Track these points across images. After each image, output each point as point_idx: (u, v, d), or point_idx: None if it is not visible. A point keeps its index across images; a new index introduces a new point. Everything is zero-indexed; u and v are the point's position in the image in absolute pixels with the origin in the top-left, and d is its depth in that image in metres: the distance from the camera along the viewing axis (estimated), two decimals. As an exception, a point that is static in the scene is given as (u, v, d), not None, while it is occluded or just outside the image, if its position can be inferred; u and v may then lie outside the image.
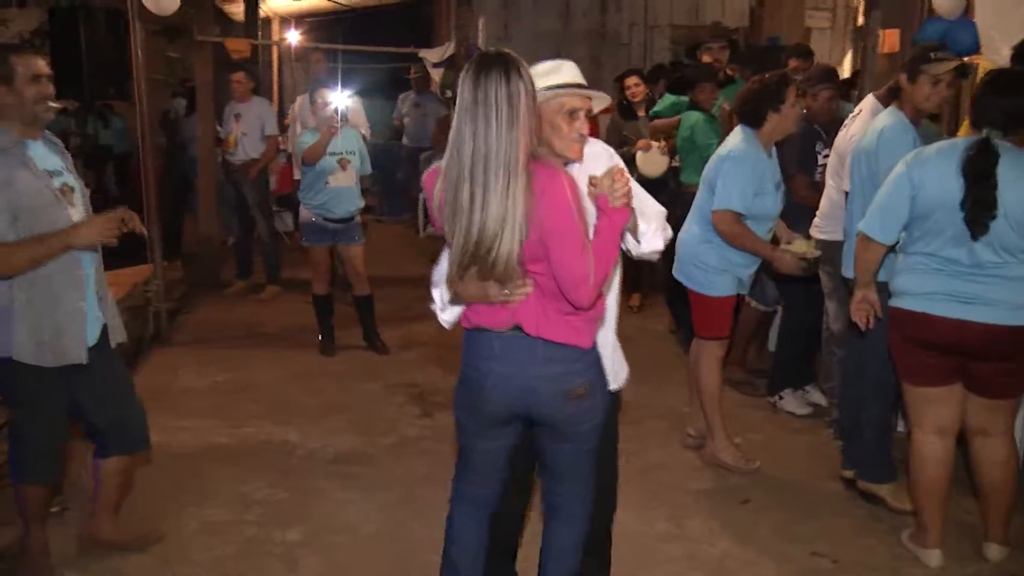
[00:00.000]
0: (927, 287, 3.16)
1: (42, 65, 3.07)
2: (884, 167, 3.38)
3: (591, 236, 2.39)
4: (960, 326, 3.11)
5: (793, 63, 5.71)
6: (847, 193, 3.89)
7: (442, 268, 2.60)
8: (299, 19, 11.37)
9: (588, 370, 2.54)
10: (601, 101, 2.68)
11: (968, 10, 5.26)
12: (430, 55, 8.27)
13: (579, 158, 2.57)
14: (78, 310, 3.12)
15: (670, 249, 3.57)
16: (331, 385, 5.40)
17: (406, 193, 10.44)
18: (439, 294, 2.63)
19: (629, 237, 2.65)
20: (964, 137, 3.22)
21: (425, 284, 2.72)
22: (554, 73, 2.55)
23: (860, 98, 4.87)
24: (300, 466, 4.28)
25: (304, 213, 5.86)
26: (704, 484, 4.10)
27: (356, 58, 12.00)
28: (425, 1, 13.65)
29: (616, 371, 2.83)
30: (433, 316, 2.71)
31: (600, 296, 2.49)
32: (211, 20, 8.42)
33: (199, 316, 6.90)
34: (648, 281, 6.84)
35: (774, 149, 4.13)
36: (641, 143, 6.41)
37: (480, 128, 2.30)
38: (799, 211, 4.44)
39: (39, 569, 3.25)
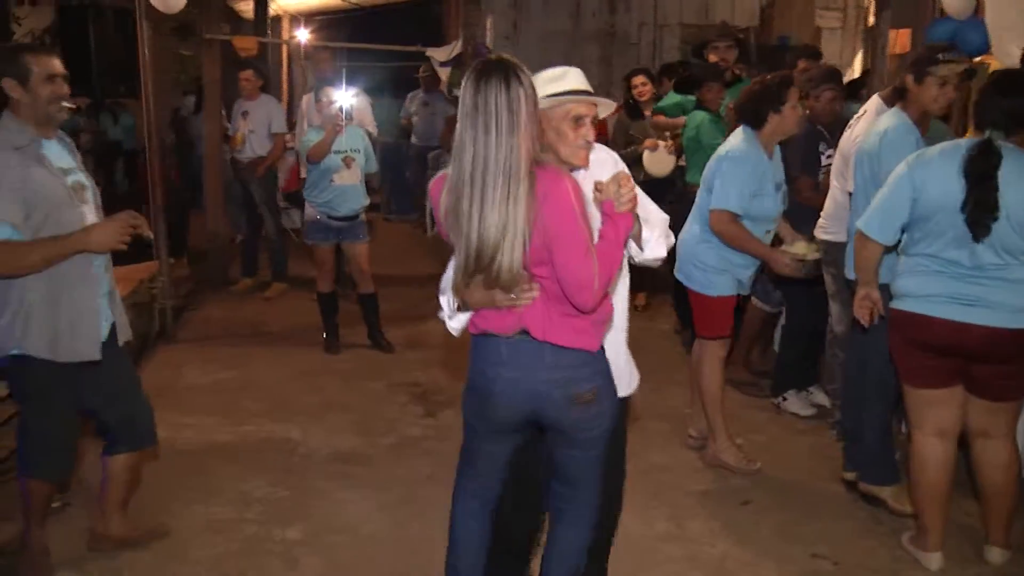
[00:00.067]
0: (928, 289, 3.14)
1: (57, 65, 3.09)
2: (887, 168, 3.36)
3: (595, 241, 2.40)
4: (961, 329, 3.08)
5: (802, 64, 5.68)
6: (851, 194, 3.87)
7: (449, 275, 2.60)
8: (308, 17, 11.39)
9: (596, 375, 2.54)
10: (606, 107, 2.68)
11: (978, 10, 5.23)
12: (437, 54, 8.27)
13: (585, 164, 2.59)
14: (91, 307, 3.14)
15: (675, 249, 3.59)
16: (334, 384, 5.41)
17: (414, 192, 10.44)
18: (447, 301, 2.64)
19: (632, 244, 2.65)
20: (967, 138, 3.19)
21: (432, 283, 2.74)
22: (560, 80, 2.57)
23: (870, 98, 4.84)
24: (301, 464, 4.29)
25: (309, 211, 5.87)
26: (705, 485, 4.08)
27: (365, 56, 12.02)
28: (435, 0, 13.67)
29: (628, 377, 2.85)
30: (438, 315, 2.71)
31: (606, 297, 2.48)
32: (219, 18, 8.45)
33: (204, 313, 6.93)
34: (653, 281, 6.82)
35: (778, 150, 4.11)
36: (648, 142, 6.40)
37: (480, 135, 2.31)
38: (803, 212, 4.42)
39: (39, 566, 3.26)
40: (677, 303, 6.03)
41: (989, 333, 3.06)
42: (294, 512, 3.79)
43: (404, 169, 10.69)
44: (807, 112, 4.67)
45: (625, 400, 2.82)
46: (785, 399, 4.89)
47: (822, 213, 4.28)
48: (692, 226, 4.09)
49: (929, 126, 3.82)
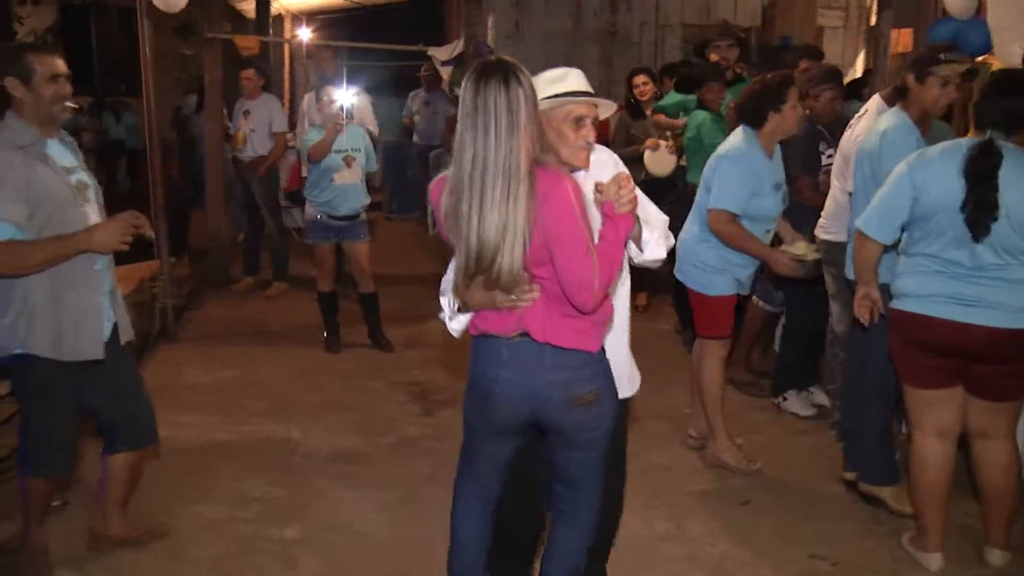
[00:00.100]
0: (928, 289, 3.13)
1: (60, 65, 3.09)
2: (887, 168, 3.35)
3: (596, 241, 2.40)
4: (961, 329, 3.08)
5: (804, 64, 5.67)
6: (851, 194, 3.86)
7: (450, 276, 2.60)
8: (310, 16, 11.39)
9: (597, 377, 2.54)
10: (607, 108, 2.70)
11: (980, 10, 5.22)
12: (439, 53, 8.25)
13: (585, 166, 2.59)
14: (94, 306, 3.15)
15: (675, 249, 3.58)
16: (335, 383, 5.41)
17: (416, 191, 10.44)
18: (447, 302, 2.64)
19: (632, 245, 2.65)
20: (968, 138, 3.18)
21: (433, 283, 2.74)
22: (560, 81, 2.58)
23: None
24: (301, 464, 4.29)
25: (309, 210, 5.86)
26: (705, 485, 4.08)
27: (367, 56, 12.02)
28: (437, -1, 13.68)
29: (630, 379, 2.85)
30: (438, 316, 2.71)
31: (606, 298, 2.48)
32: (221, 17, 8.46)
33: (206, 312, 6.93)
34: (654, 281, 6.81)
35: (778, 149, 4.10)
36: (649, 142, 6.39)
37: (479, 136, 2.32)
38: (804, 212, 4.41)
39: (38, 565, 3.26)
40: (677, 303, 6.01)
41: (989, 333, 3.05)
42: (293, 512, 3.79)
43: (406, 168, 10.69)
44: (807, 112, 4.66)
45: (625, 401, 2.81)
46: (785, 399, 4.88)
47: (823, 213, 4.28)
48: (691, 226, 4.09)
49: (931, 126, 3.82)
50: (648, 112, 6.58)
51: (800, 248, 3.95)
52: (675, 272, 4.20)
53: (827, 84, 4.61)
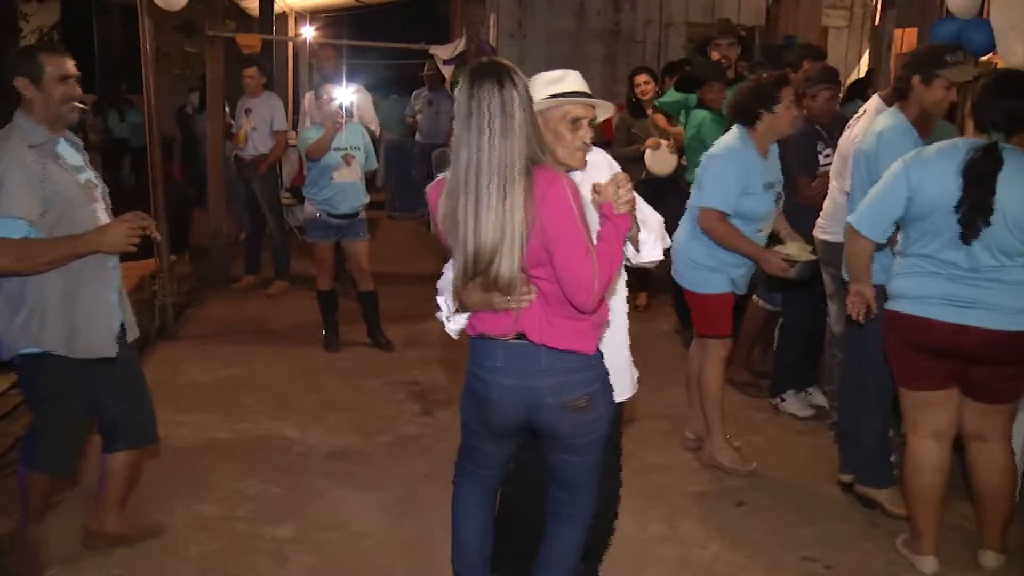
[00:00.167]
0: (924, 291, 3.11)
1: (70, 66, 3.11)
2: (883, 169, 3.32)
3: (594, 241, 2.40)
4: (958, 331, 3.06)
5: (807, 64, 5.64)
6: (849, 194, 3.84)
7: (447, 277, 2.61)
8: (314, 14, 11.38)
9: (593, 380, 2.54)
10: (605, 110, 2.70)
11: (983, 10, 5.19)
12: (441, 51, 8.24)
13: (582, 166, 2.61)
14: (106, 304, 3.18)
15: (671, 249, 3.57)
16: (334, 382, 5.41)
17: (418, 190, 10.44)
18: (445, 303, 2.64)
19: (629, 245, 2.65)
20: (965, 139, 3.15)
21: (433, 282, 2.73)
22: (558, 82, 2.60)
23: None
24: (297, 463, 4.28)
25: (309, 209, 5.86)
26: (701, 486, 4.06)
27: (371, 54, 12.03)
28: (441, -2, 13.67)
29: (629, 381, 2.86)
30: (436, 316, 2.71)
31: (603, 300, 2.48)
32: (224, 15, 8.46)
33: (206, 311, 6.93)
34: (654, 281, 6.80)
35: (775, 149, 4.09)
36: (650, 141, 6.38)
37: (474, 138, 2.33)
38: (802, 212, 4.39)
39: (32, 562, 3.26)
40: (677, 303, 6.01)
41: (987, 335, 3.04)
42: (288, 510, 3.79)
43: (409, 167, 10.70)
44: (805, 112, 4.65)
45: (620, 403, 2.80)
46: (783, 400, 4.86)
47: (821, 213, 4.26)
48: (684, 224, 4.08)
49: (935, 126, 3.80)
50: (649, 111, 6.56)
51: (793, 249, 3.92)
52: (672, 272, 4.18)
53: (824, 84, 4.59)
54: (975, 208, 2.97)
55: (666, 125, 6.32)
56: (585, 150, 2.59)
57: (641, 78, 6.63)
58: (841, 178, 4.07)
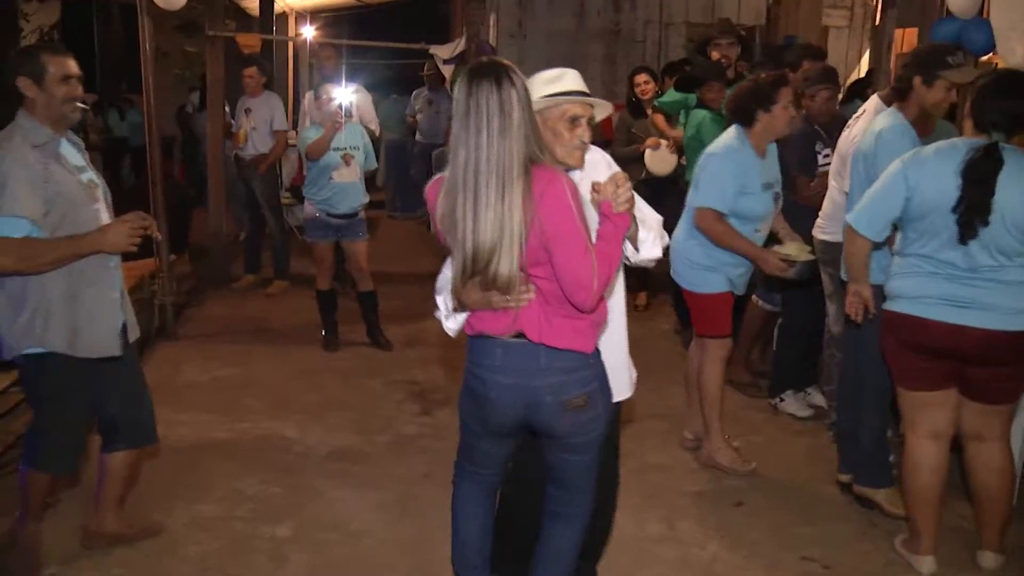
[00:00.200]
0: (922, 291, 3.11)
1: (72, 66, 3.11)
2: (882, 169, 3.32)
3: (594, 240, 2.40)
4: (956, 331, 3.06)
5: (807, 64, 5.63)
6: (848, 194, 3.83)
7: (446, 275, 2.61)
8: (314, 14, 11.38)
9: (591, 379, 2.54)
10: (603, 109, 2.71)
11: (983, 10, 5.18)
12: (441, 51, 8.25)
13: (580, 165, 2.61)
14: (110, 302, 3.19)
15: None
16: (333, 381, 5.40)
17: (419, 189, 10.43)
18: (443, 301, 2.64)
19: (628, 244, 2.65)
20: (963, 139, 3.15)
21: (433, 281, 2.72)
22: (557, 81, 2.60)
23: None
24: (296, 462, 4.28)
25: (308, 208, 5.87)
26: (700, 486, 4.06)
27: (372, 54, 12.02)
28: (441, -2, 13.67)
29: (627, 381, 2.86)
30: (435, 315, 2.72)
31: (602, 299, 2.49)
32: (224, 15, 8.46)
33: (206, 311, 6.93)
34: (654, 281, 6.80)
35: (773, 149, 4.09)
36: (650, 141, 6.38)
37: (472, 137, 2.33)
38: (800, 212, 4.38)
39: (30, 561, 3.26)
40: (677, 303, 6.00)
41: (985, 336, 3.03)
42: (287, 510, 3.79)
43: (409, 167, 10.70)
44: (804, 112, 4.64)
45: (617, 404, 2.80)
46: (783, 400, 4.86)
47: (820, 213, 4.26)
48: (682, 224, 4.08)
49: (935, 126, 3.79)
50: (649, 111, 6.55)
51: (791, 249, 3.91)
52: (671, 272, 4.18)
53: (823, 84, 4.59)
54: (973, 208, 2.97)
55: (665, 127, 6.32)
56: (583, 149, 2.60)
57: (641, 78, 6.63)
58: (840, 178, 4.07)
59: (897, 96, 3.73)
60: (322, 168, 5.70)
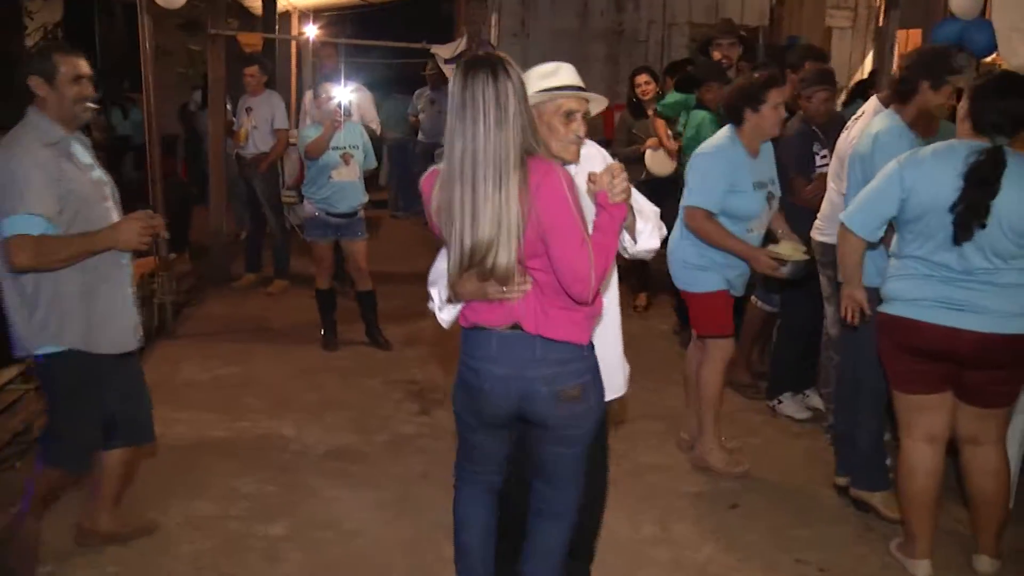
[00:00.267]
0: (917, 293, 3.10)
1: (84, 66, 3.13)
2: (878, 171, 3.31)
3: (590, 231, 2.40)
4: (951, 334, 3.04)
5: (808, 66, 5.61)
6: (845, 196, 3.82)
7: (440, 267, 2.60)
8: (317, 13, 11.36)
9: (585, 371, 2.54)
10: (598, 104, 2.70)
11: (985, 10, 5.16)
12: (442, 51, 8.22)
13: (575, 160, 2.61)
14: (125, 298, 3.22)
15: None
16: (332, 381, 5.40)
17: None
18: (436, 292, 2.64)
19: (626, 235, 2.65)
20: (962, 140, 3.13)
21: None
22: (552, 75, 2.60)
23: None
24: (293, 461, 4.28)
25: (308, 208, 5.87)
26: (697, 487, 4.05)
27: (375, 53, 12.00)
28: (444, -2, 13.66)
29: (621, 378, 2.87)
30: (428, 306, 2.71)
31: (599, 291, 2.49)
32: (227, 14, 8.46)
33: (206, 309, 6.93)
34: (654, 281, 6.79)
35: (769, 149, 4.08)
36: (651, 141, 6.37)
37: (468, 129, 2.33)
38: (799, 213, 4.37)
39: (27, 556, 3.26)
40: (677, 304, 6.00)
41: (980, 339, 3.02)
42: (282, 509, 3.79)
43: (411, 166, 10.69)
44: (801, 113, 4.63)
45: (608, 401, 2.80)
46: (780, 402, 4.85)
47: (818, 215, 4.24)
48: (677, 225, 4.08)
49: (939, 126, 3.78)
50: (650, 112, 6.54)
51: (784, 248, 3.88)
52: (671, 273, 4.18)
53: (820, 85, 4.56)
54: (972, 210, 2.95)
55: (665, 135, 6.28)
56: (579, 143, 2.60)
57: (642, 78, 6.61)
58: (839, 180, 4.05)
59: (897, 98, 3.71)
60: (321, 167, 5.70)
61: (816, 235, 4.21)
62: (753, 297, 5.03)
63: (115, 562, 3.36)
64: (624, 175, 2.43)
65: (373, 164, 6.12)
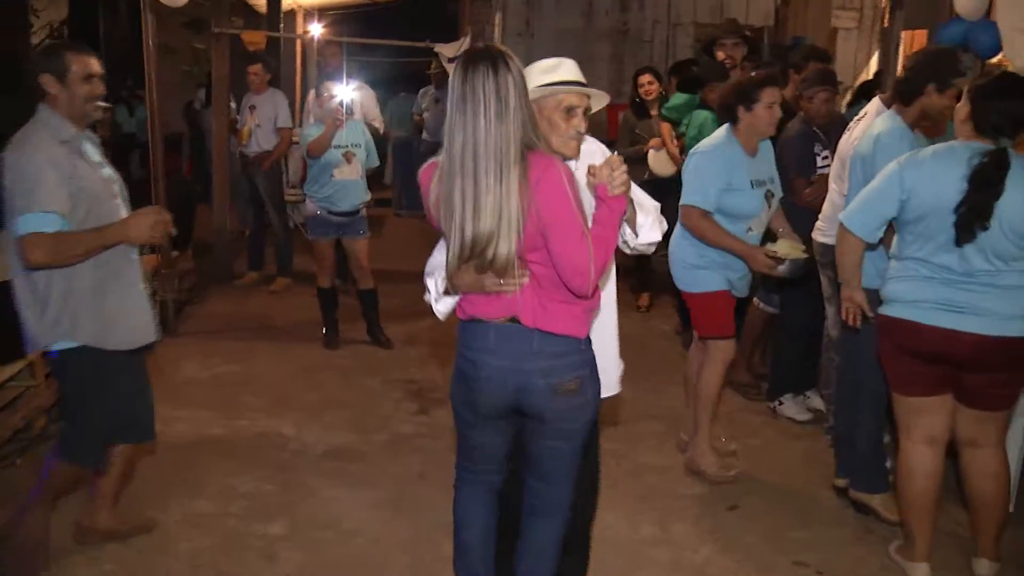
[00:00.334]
0: (917, 295, 3.08)
1: (95, 65, 3.14)
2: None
3: (590, 225, 2.41)
4: (950, 336, 3.03)
5: (811, 66, 5.60)
6: (846, 197, 3.80)
7: (437, 258, 2.61)
8: (323, 12, 11.37)
9: (582, 365, 2.54)
10: (600, 99, 2.70)
11: (990, 11, 5.15)
12: (445, 50, 8.20)
13: (576, 155, 2.61)
14: (140, 293, 3.24)
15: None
16: (332, 380, 5.40)
17: (425, 188, 10.40)
18: (433, 284, 2.64)
19: (627, 229, 2.66)
20: (963, 142, 3.11)
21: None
22: (553, 70, 2.60)
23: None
24: (292, 460, 4.28)
25: (310, 206, 5.87)
26: (696, 488, 4.04)
27: (380, 51, 12.00)
28: (450, -3, 13.65)
29: (615, 376, 2.86)
30: (424, 298, 2.71)
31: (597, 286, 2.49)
32: (232, 12, 8.46)
33: (207, 307, 6.94)
34: (656, 282, 6.78)
35: (768, 148, 4.07)
36: (653, 142, 6.36)
37: (469, 122, 2.32)
38: (800, 214, 4.35)
39: (31, 549, 3.24)
40: (679, 304, 5.98)
41: (979, 341, 3.00)
42: (281, 508, 3.78)
43: (416, 165, 10.66)
44: (802, 113, 4.62)
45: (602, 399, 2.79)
46: (781, 403, 4.83)
47: (820, 216, 4.23)
48: (678, 225, 4.06)
49: (946, 126, 3.77)
50: (653, 112, 6.53)
51: (782, 247, 3.85)
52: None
53: (821, 86, 4.55)
54: (974, 212, 2.93)
55: (670, 138, 6.26)
56: (579, 139, 2.60)
57: (645, 78, 6.60)
58: (840, 181, 4.03)
59: (899, 99, 3.69)
60: (323, 166, 5.70)
61: (817, 236, 4.20)
62: (755, 299, 5.02)
63: (113, 560, 3.36)
64: (623, 167, 2.44)
65: (375, 163, 6.11)
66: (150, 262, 6.02)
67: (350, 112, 6.00)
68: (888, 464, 3.81)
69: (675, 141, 6.20)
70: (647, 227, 2.69)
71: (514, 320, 2.48)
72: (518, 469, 2.79)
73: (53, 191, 2.93)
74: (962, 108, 3.11)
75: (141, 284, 3.28)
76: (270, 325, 6.53)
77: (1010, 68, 4.79)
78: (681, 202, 3.92)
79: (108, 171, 3.22)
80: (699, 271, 3.99)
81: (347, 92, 6.29)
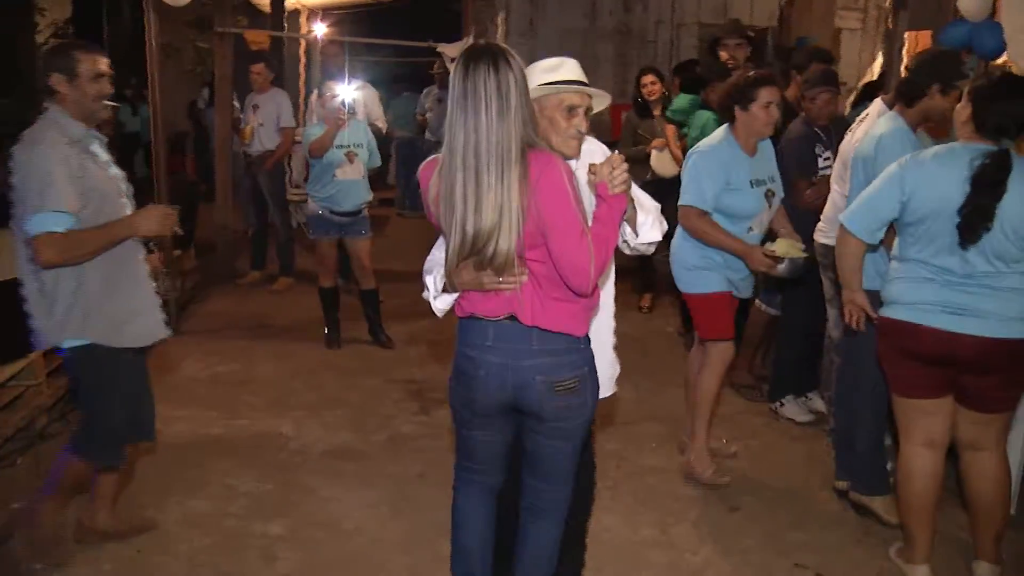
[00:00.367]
0: (918, 297, 3.07)
1: (104, 64, 3.15)
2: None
3: (590, 223, 2.40)
4: (951, 338, 3.01)
5: (815, 67, 5.58)
6: (848, 198, 3.79)
7: (436, 256, 2.61)
8: (326, 11, 11.37)
9: (581, 364, 2.54)
10: (601, 99, 2.70)
11: (994, 12, 5.12)
12: (448, 50, 8.21)
13: (576, 155, 2.61)
14: (148, 290, 3.25)
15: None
16: (333, 379, 5.40)
17: (428, 188, 10.39)
18: (432, 281, 2.64)
19: (627, 228, 2.66)
20: (964, 143, 3.10)
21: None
22: (555, 70, 2.60)
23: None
24: (291, 460, 4.28)
25: (311, 206, 5.87)
26: (695, 490, 4.02)
27: (383, 51, 12.00)
28: (453, -4, 13.63)
29: (611, 377, 2.86)
30: (422, 296, 2.70)
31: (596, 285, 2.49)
32: (235, 11, 8.47)
33: (209, 306, 6.95)
34: (658, 282, 6.77)
35: (769, 148, 4.06)
36: (656, 142, 6.35)
37: (470, 119, 2.32)
38: (802, 215, 4.33)
39: (36, 545, 3.25)
40: (681, 306, 5.97)
41: (980, 343, 2.99)
42: (280, 508, 3.79)
43: (419, 164, 10.66)
44: (804, 114, 4.60)
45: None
46: (783, 404, 4.82)
47: (821, 217, 4.21)
48: (679, 226, 4.05)
49: (951, 128, 3.75)
50: (656, 112, 6.52)
51: (781, 246, 3.83)
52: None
53: (822, 86, 4.53)
54: (978, 213, 2.92)
55: (674, 140, 6.24)
56: (579, 138, 2.60)
57: (648, 78, 6.58)
58: (842, 182, 4.02)
59: (902, 100, 3.67)
60: (325, 166, 5.70)
61: (819, 237, 4.18)
62: (757, 300, 5.01)
63: (112, 559, 3.36)
64: (624, 166, 2.44)
65: (377, 163, 6.11)
66: (152, 261, 6.02)
67: (352, 112, 6.00)
68: (889, 466, 3.79)
69: (679, 142, 6.19)
70: (647, 227, 2.69)
71: (513, 318, 2.47)
72: (517, 469, 2.80)
73: (64, 190, 2.94)
74: (963, 109, 3.09)
75: (150, 283, 3.29)
76: (271, 324, 6.53)
77: (1014, 70, 4.77)
78: (680, 202, 3.90)
79: (115, 170, 3.23)
80: (700, 272, 3.98)
81: (350, 92, 6.28)
